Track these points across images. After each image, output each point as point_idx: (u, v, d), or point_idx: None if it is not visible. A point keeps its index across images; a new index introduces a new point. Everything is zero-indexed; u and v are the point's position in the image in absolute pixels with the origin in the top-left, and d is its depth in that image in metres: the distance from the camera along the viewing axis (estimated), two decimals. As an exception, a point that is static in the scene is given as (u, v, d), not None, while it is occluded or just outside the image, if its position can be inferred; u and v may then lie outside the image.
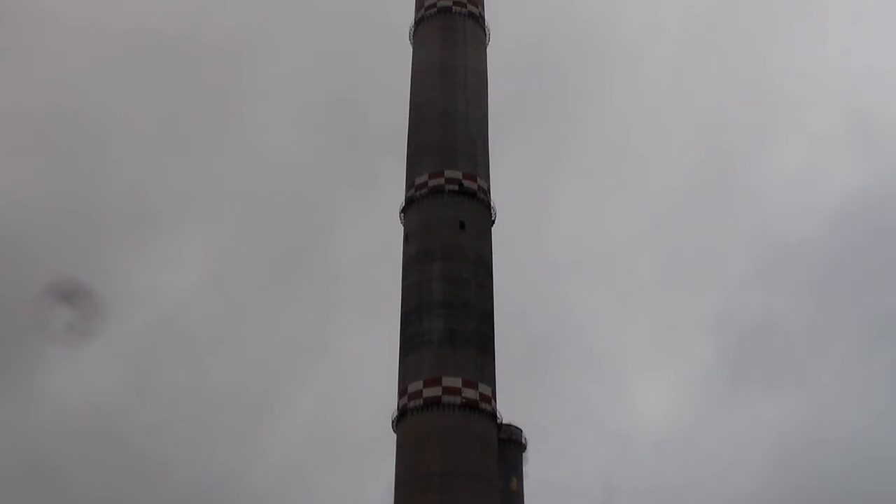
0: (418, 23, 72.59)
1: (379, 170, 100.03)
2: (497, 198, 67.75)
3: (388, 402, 62.35)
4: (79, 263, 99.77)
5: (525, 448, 78.01)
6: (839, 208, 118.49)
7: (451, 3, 71.99)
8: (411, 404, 60.94)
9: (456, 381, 60.83)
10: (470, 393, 60.81)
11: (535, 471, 77.47)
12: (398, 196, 68.13)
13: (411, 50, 72.78)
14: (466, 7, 72.19)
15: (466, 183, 66.55)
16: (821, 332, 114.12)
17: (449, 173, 66.60)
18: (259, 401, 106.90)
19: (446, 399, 60.39)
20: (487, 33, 72.92)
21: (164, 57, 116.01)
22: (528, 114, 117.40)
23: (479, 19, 72.64)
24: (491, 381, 62.20)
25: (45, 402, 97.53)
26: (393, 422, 61.83)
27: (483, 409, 60.92)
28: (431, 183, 66.52)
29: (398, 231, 67.34)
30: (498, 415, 61.99)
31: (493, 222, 67.14)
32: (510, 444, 73.61)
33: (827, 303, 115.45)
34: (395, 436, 61.69)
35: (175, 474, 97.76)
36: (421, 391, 60.90)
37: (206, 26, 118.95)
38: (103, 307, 73.40)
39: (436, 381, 60.88)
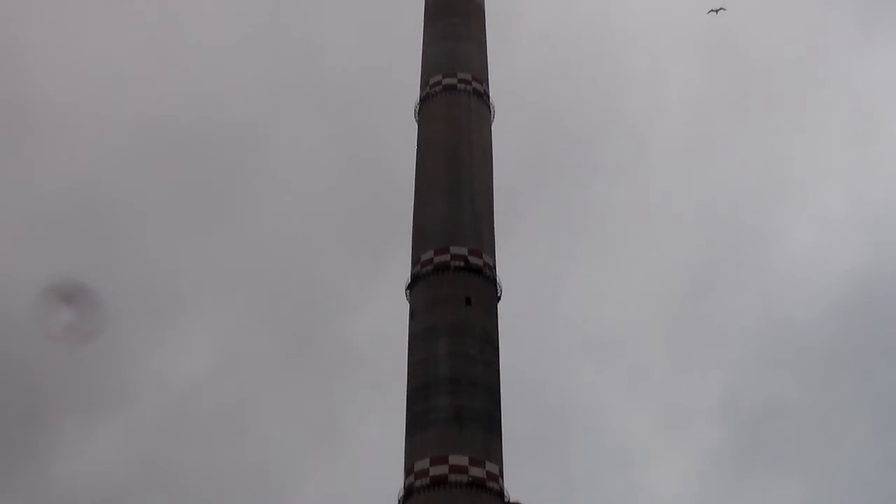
0: (423, 100, 73.10)
1: (387, 248, 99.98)
2: (503, 274, 67.65)
3: (396, 482, 61.69)
4: (89, 345, 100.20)
5: (533, 528, 76.75)
6: (844, 289, 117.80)
7: (455, 81, 72.57)
8: (418, 483, 60.13)
9: (463, 460, 60.12)
10: (477, 471, 60.04)
11: (543, 551, 76.04)
12: (406, 273, 67.95)
13: (417, 127, 73.11)
14: (471, 84, 72.69)
15: (472, 259, 66.36)
16: (829, 414, 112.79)
17: (454, 249, 66.47)
18: (270, 484, 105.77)
19: (453, 477, 59.63)
20: (492, 110, 73.30)
21: (176, 143, 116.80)
22: (535, 192, 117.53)
23: (483, 97, 73.08)
24: (498, 460, 61.51)
25: (57, 486, 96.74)
26: (399, 501, 60.99)
27: (490, 487, 60.11)
28: (437, 259, 66.35)
29: (406, 308, 67.03)
30: (505, 493, 61.09)
31: (500, 299, 66.81)
32: (518, 523, 72.35)
33: (835, 384, 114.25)
34: (401, 515, 60.92)
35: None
36: (427, 469, 60.12)
37: (216, 113, 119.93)
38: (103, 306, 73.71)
39: (442, 460, 60.14)
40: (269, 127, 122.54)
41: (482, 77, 73.77)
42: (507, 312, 67.27)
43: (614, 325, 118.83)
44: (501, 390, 63.90)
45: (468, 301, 65.02)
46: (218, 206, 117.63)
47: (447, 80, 72.63)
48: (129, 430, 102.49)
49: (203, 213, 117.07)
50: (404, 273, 68.09)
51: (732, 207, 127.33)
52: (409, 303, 66.68)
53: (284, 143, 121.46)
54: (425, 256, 66.86)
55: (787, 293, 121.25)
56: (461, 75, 72.78)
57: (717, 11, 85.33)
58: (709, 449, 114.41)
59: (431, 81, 73.10)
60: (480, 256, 66.77)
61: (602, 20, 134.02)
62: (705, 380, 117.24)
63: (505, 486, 61.13)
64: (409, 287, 66.99)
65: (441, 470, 59.79)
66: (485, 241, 67.87)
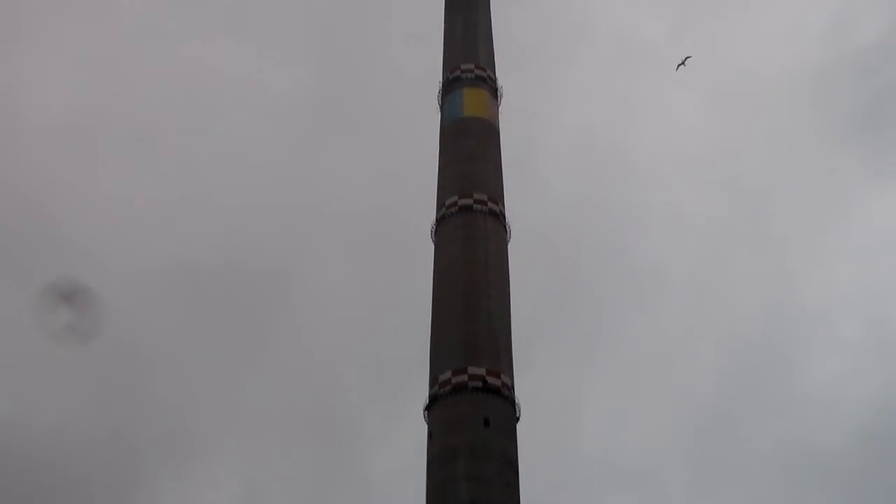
0: (440, 221, 73.02)
1: (406, 373, 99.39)
2: (523, 399, 66.54)
3: None
4: (116, 484, 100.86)
5: None
6: (866, 417, 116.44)
7: (471, 202, 72.55)
8: None
9: (482, 585, 58.41)
10: None
11: None
12: (425, 396, 66.96)
13: (433, 248, 72.79)
14: (487, 205, 72.64)
15: (490, 379, 65.33)
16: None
17: (472, 370, 65.52)
18: None
19: None
20: (509, 230, 73.05)
21: (197, 281, 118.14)
22: (554, 316, 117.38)
23: (499, 217, 72.87)
24: (519, 585, 59.75)
25: None
26: None
27: None
28: (455, 380, 65.40)
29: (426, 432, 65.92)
30: None
31: (518, 419, 65.53)
32: None
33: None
34: None
35: None
36: None
37: (238, 251, 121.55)
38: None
39: (461, 586, 58.48)
40: (290, 262, 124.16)
41: (498, 197, 73.87)
42: (527, 434, 66.13)
43: (636, 452, 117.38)
44: (522, 513, 62.37)
45: (486, 422, 63.85)
46: (240, 342, 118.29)
47: (463, 201, 72.70)
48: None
49: (225, 347, 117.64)
50: (424, 396, 67.10)
51: (752, 335, 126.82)
52: (427, 424, 65.52)
53: (304, 278, 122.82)
54: (443, 377, 65.95)
55: (808, 421, 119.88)
56: (477, 196, 72.91)
57: (683, 63, 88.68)
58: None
59: (447, 202, 73.15)
60: (499, 377, 65.78)
61: (616, 147, 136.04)
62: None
63: None
64: (427, 408, 65.96)
65: None
66: (503, 361, 66.95)
